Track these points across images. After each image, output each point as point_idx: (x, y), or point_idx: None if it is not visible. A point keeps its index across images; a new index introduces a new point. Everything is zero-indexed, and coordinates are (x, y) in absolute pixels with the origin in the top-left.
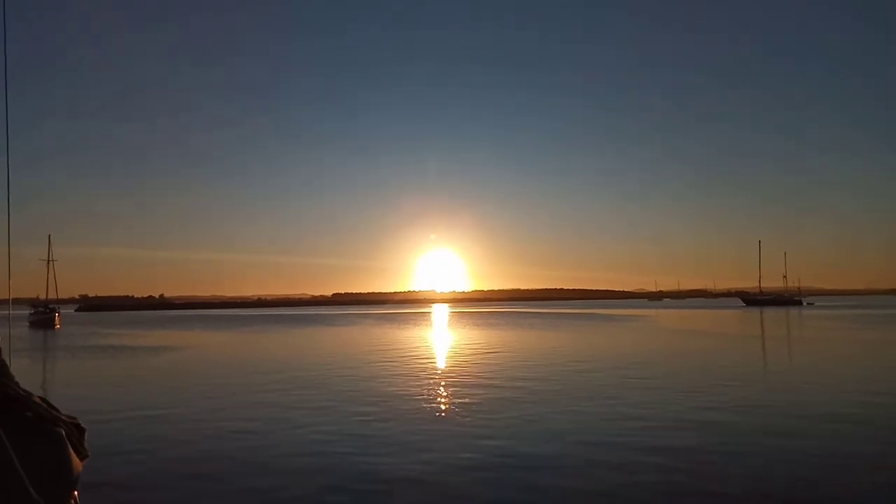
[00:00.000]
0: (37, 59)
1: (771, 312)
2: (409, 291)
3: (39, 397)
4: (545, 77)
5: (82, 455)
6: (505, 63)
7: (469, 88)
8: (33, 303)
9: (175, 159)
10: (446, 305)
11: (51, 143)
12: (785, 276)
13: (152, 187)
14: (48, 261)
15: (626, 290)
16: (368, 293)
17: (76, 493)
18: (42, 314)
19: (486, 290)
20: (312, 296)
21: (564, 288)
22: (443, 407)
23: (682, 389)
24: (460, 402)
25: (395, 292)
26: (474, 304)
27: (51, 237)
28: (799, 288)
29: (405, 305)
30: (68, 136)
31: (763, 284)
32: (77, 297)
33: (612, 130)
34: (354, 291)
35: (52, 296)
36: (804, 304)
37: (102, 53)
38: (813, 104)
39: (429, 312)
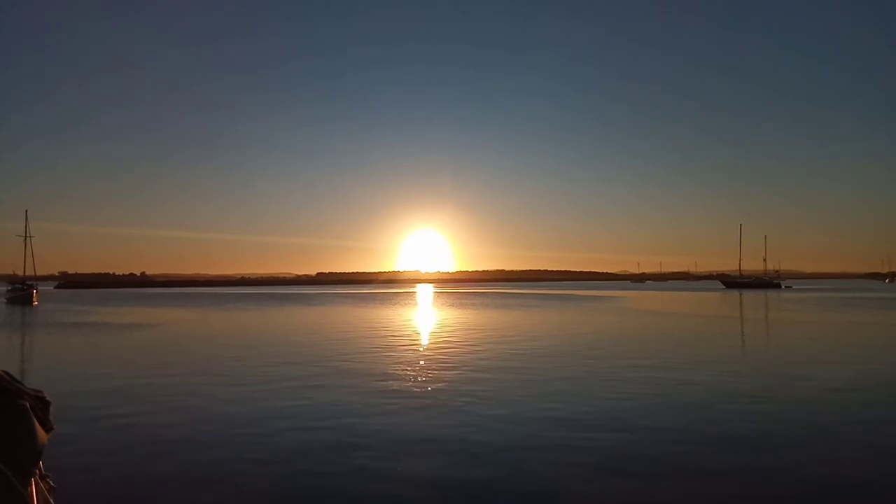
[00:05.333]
0: (18, 38)
1: (749, 295)
2: (393, 271)
3: (3, 371)
4: (532, 59)
5: (47, 427)
6: (494, 44)
7: (458, 70)
8: (11, 279)
9: (159, 138)
10: (430, 286)
11: (32, 121)
12: (765, 259)
13: (136, 166)
14: (25, 237)
15: (609, 272)
16: (353, 273)
17: (41, 464)
18: (20, 291)
19: (470, 270)
20: (296, 275)
21: (548, 269)
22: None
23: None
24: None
25: (379, 272)
26: (457, 285)
27: (28, 213)
28: (778, 271)
29: (389, 285)
30: (50, 114)
31: (743, 267)
32: (57, 273)
33: (597, 114)
34: (339, 271)
35: (30, 272)
36: (782, 286)
37: (87, 32)
38: (795, 90)
39: (411, 292)
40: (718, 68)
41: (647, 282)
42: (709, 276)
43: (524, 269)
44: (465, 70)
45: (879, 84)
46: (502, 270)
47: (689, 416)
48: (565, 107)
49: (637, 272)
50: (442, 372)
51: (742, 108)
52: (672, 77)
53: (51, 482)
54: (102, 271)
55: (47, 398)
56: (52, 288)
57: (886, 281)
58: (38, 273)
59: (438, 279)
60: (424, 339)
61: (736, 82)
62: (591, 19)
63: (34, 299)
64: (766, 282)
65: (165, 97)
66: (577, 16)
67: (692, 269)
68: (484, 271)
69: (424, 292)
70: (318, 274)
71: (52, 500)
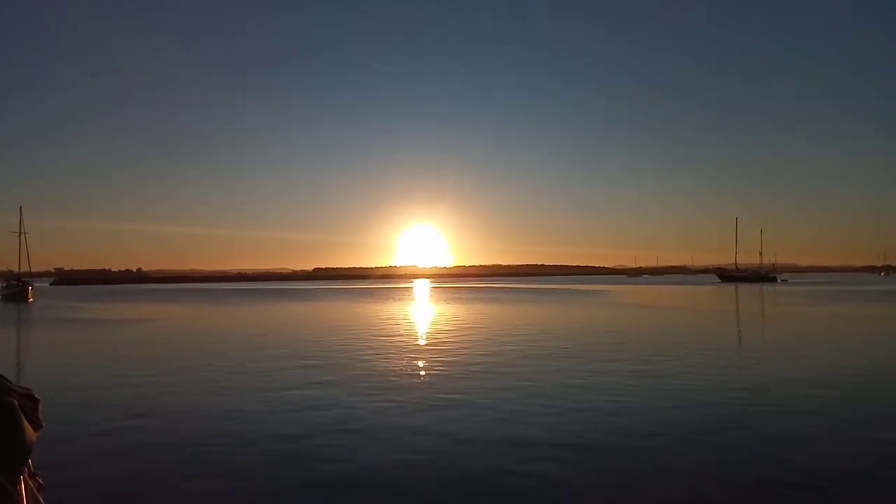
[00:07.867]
0: (18, 38)
1: (743, 288)
2: (390, 267)
3: None
4: (527, 55)
5: (36, 425)
6: (489, 40)
7: (455, 68)
8: (5, 276)
9: (156, 136)
10: (427, 281)
11: (31, 120)
12: (761, 253)
13: (133, 163)
14: (20, 233)
15: (606, 266)
16: (350, 268)
17: (30, 462)
18: (14, 287)
19: (467, 265)
20: (293, 270)
21: (545, 264)
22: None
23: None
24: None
25: (376, 267)
26: (454, 280)
27: (22, 208)
28: (774, 265)
29: (386, 280)
30: (47, 110)
31: (739, 261)
32: (52, 270)
33: (594, 110)
34: (336, 266)
35: (24, 269)
36: (778, 280)
37: (84, 30)
38: (790, 85)
39: (408, 288)
40: (718, 68)
41: (644, 276)
42: (705, 271)
43: (521, 263)
44: (462, 68)
45: (879, 84)
46: (499, 265)
47: (648, 405)
48: (563, 104)
49: (634, 266)
50: (424, 366)
51: (742, 107)
52: (672, 76)
53: (40, 480)
54: (98, 267)
55: (36, 396)
56: (47, 284)
57: (882, 274)
58: (34, 269)
59: (436, 274)
60: (413, 335)
61: (736, 82)
62: (591, 19)
63: (29, 296)
64: (761, 275)
65: (164, 94)
66: (577, 16)
67: (689, 264)
68: (481, 266)
69: (421, 287)
70: (314, 269)
71: (41, 499)
